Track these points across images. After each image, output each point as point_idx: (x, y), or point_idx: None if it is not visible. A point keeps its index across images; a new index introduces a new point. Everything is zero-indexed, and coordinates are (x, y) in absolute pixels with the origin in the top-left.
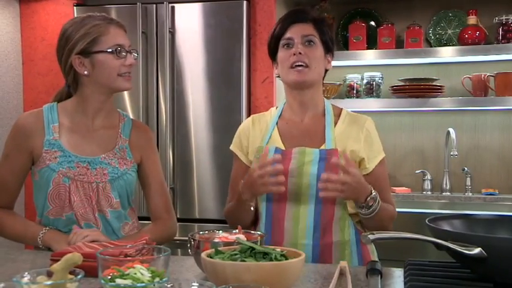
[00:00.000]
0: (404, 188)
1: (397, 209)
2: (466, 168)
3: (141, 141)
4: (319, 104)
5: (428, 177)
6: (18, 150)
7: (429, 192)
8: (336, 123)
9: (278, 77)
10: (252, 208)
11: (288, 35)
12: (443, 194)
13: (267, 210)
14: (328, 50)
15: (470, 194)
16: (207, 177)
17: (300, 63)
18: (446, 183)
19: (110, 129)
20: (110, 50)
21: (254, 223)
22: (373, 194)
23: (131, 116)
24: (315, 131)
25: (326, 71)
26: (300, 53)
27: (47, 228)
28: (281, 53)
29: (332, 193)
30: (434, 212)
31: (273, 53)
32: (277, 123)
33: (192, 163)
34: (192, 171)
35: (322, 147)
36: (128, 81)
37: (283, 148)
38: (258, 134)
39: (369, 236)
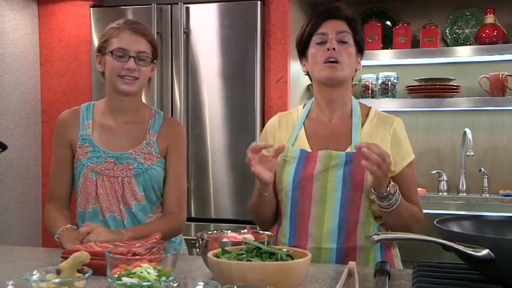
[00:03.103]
0: (420, 188)
1: None
2: (482, 169)
3: (168, 135)
4: (348, 103)
5: (444, 178)
6: (61, 144)
7: (445, 193)
8: (363, 124)
9: (306, 74)
10: (266, 195)
11: (322, 29)
12: (460, 195)
13: (291, 213)
14: (360, 49)
15: (487, 195)
16: (222, 177)
17: (333, 60)
18: (462, 184)
19: (139, 125)
20: (112, 52)
21: (277, 224)
22: (392, 183)
23: None
24: (342, 132)
25: (355, 71)
26: (333, 49)
27: (65, 226)
28: (313, 49)
29: (371, 166)
30: (450, 213)
31: (303, 50)
32: (304, 122)
33: (207, 163)
34: (208, 171)
35: (348, 149)
36: (126, 84)
37: (309, 150)
38: (284, 133)
39: (373, 236)
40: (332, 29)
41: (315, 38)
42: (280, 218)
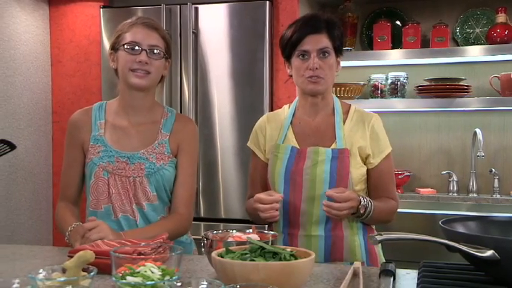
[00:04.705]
0: (429, 189)
1: (422, 211)
2: (493, 170)
3: (180, 133)
4: (330, 103)
5: (455, 179)
6: (73, 144)
7: (455, 194)
8: (344, 121)
9: (291, 76)
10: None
11: (303, 47)
12: (470, 195)
13: (284, 204)
14: (339, 53)
15: (498, 195)
16: (231, 176)
17: (315, 77)
18: (472, 185)
19: (151, 125)
20: (124, 45)
21: None
22: (363, 202)
23: None
24: (326, 130)
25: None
26: (316, 68)
27: (74, 225)
28: (296, 62)
29: (342, 213)
30: (460, 214)
31: (287, 56)
32: (291, 122)
33: (216, 163)
34: (217, 170)
35: (333, 145)
36: (138, 78)
37: (298, 147)
38: (274, 132)
39: (376, 237)
40: (313, 46)
41: (297, 52)
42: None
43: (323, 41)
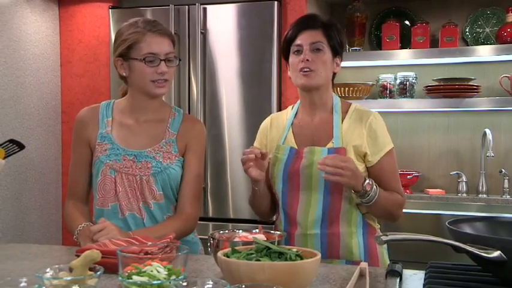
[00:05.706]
0: (438, 189)
1: (431, 211)
2: (503, 170)
3: (188, 133)
4: (328, 102)
5: (464, 179)
6: (80, 142)
7: (464, 195)
8: (343, 120)
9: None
10: (256, 189)
11: (297, 41)
12: (479, 196)
13: (282, 203)
14: (336, 53)
15: (507, 196)
16: (240, 177)
17: (307, 69)
18: (482, 186)
19: (158, 123)
20: (142, 58)
21: (276, 213)
22: (368, 180)
23: None
24: (324, 129)
25: (335, 74)
26: (307, 60)
27: (84, 225)
28: (291, 58)
29: (333, 177)
30: (470, 214)
31: (285, 55)
32: (292, 122)
33: (225, 163)
34: (225, 171)
35: (330, 144)
36: (160, 88)
37: (296, 147)
38: (275, 133)
39: (381, 237)
40: (306, 40)
41: (292, 48)
42: (277, 207)
43: (317, 36)
